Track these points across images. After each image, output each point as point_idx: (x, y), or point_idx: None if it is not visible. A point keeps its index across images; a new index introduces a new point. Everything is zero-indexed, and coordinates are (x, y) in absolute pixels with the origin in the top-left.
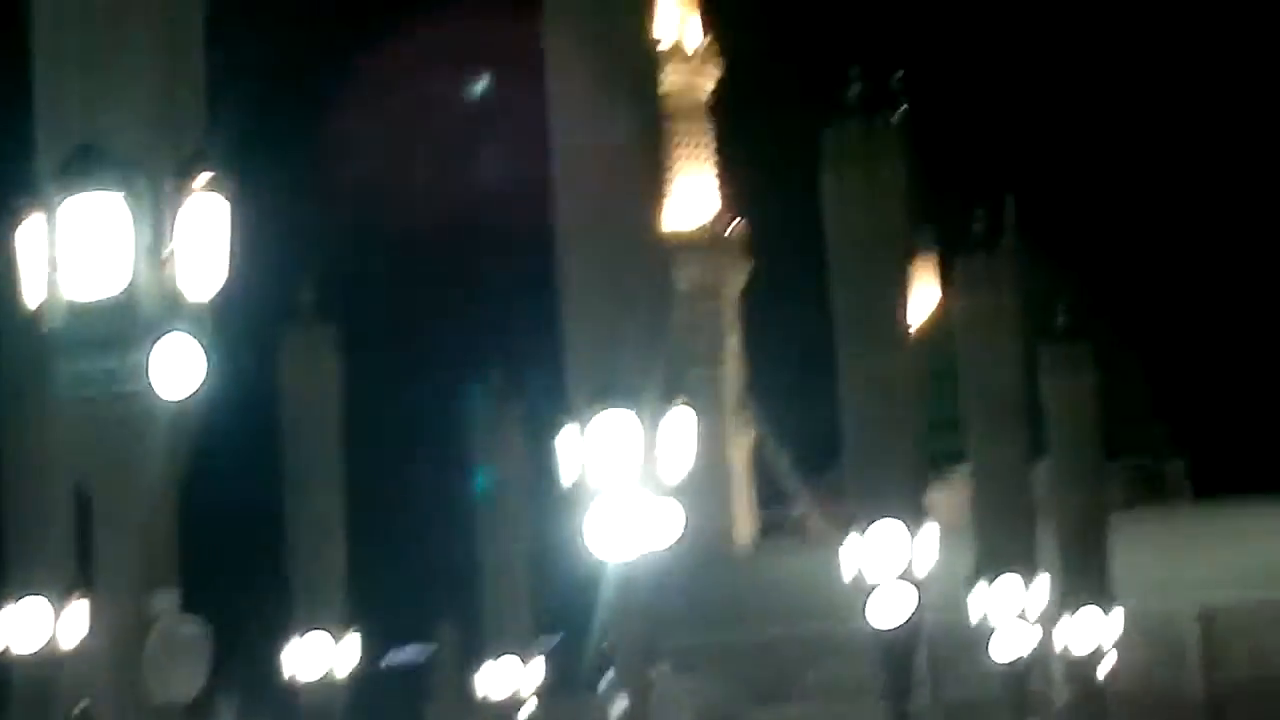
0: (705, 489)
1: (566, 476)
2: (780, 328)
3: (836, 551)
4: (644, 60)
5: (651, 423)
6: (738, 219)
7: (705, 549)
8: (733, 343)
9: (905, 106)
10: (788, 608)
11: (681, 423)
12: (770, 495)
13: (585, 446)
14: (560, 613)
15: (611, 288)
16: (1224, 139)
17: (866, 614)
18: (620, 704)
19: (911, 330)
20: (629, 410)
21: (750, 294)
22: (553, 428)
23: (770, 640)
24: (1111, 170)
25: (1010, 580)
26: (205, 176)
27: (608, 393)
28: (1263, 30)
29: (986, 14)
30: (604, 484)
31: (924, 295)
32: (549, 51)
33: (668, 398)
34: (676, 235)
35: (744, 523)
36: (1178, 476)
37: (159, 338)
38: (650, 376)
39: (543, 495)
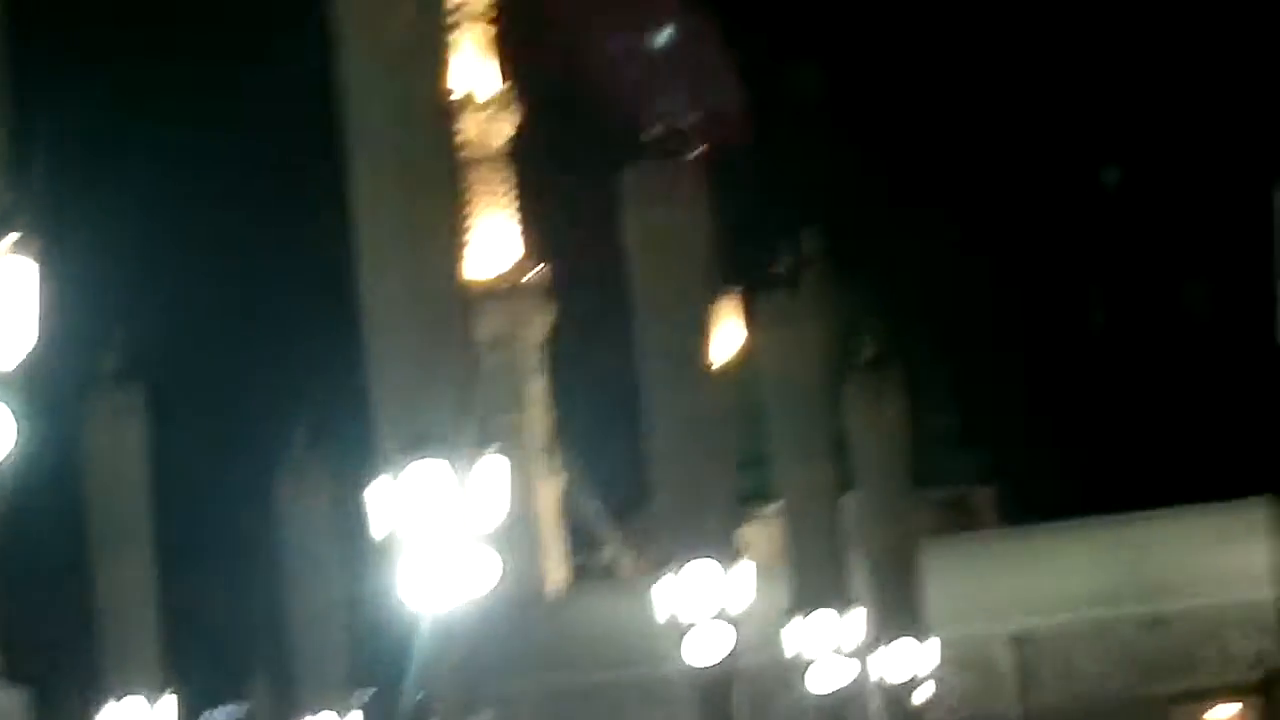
0: (514, 535)
1: (378, 528)
2: (586, 372)
3: (650, 593)
4: (440, 109)
5: (463, 471)
6: (539, 265)
7: (518, 596)
8: (537, 389)
9: (703, 146)
10: (603, 652)
11: (493, 470)
12: (581, 540)
13: (396, 497)
14: (374, 665)
15: (417, 337)
16: (1032, 166)
17: (682, 655)
18: None
19: (716, 368)
20: (440, 459)
21: (555, 339)
22: (362, 479)
23: (586, 686)
24: (918, 200)
25: (824, 615)
26: (10, 238)
27: (418, 442)
28: (1059, 56)
29: (782, 53)
30: (417, 534)
31: (730, 333)
32: (345, 101)
33: (479, 445)
34: (477, 283)
35: (555, 568)
36: (986, 504)
37: None
38: (459, 425)
39: (354, 547)
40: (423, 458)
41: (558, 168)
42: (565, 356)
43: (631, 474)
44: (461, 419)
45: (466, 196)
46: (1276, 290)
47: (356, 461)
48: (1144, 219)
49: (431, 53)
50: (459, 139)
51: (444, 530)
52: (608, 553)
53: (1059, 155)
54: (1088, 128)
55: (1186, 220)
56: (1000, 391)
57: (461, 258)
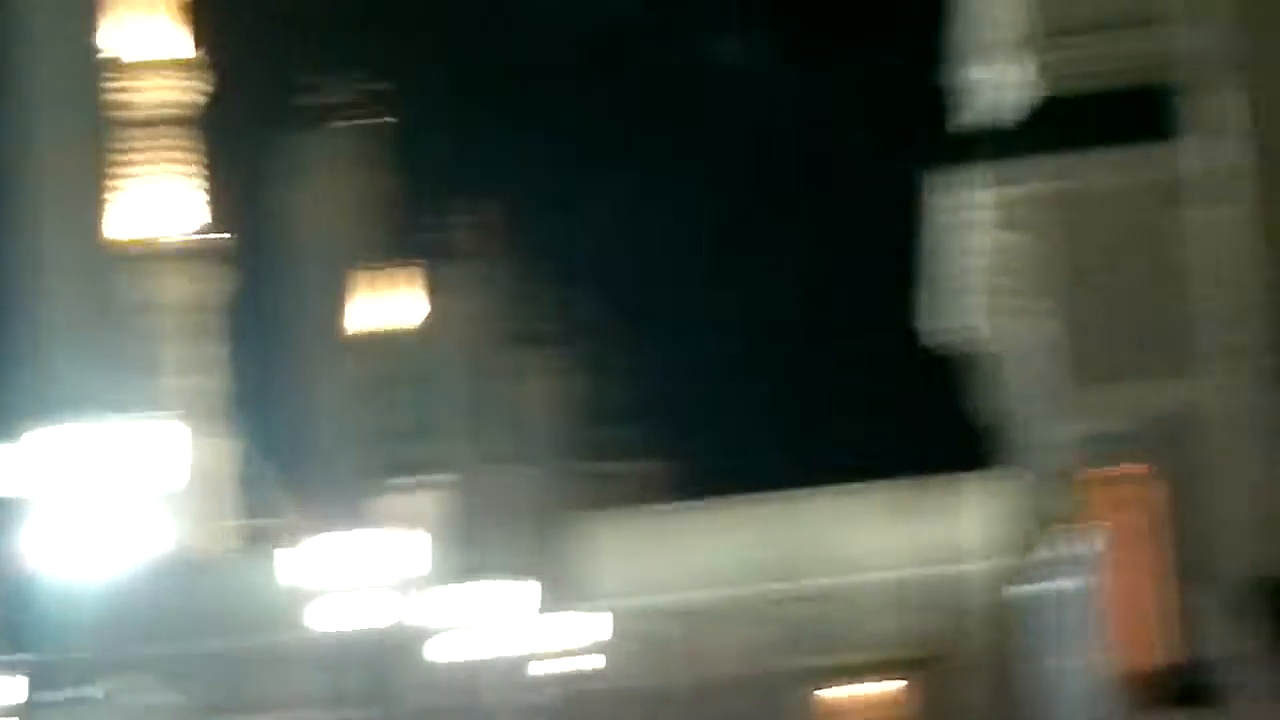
0: (180, 499)
1: (31, 488)
2: (262, 338)
3: (294, 560)
4: (94, 68)
5: (127, 433)
6: (220, 230)
7: (175, 559)
8: (212, 352)
9: (384, 115)
10: (250, 617)
11: (161, 432)
12: (252, 504)
13: (54, 458)
14: (28, 629)
15: (79, 298)
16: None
17: (326, 622)
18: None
19: (378, 336)
20: (101, 420)
21: (233, 304)
22: (14, 438)
23: (226, 651)
24: (597, 177)
25: (487, 585)
26: None
27: (76, 403)
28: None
29: (470, 23)
30: (76, 496)
31: (400, 302)
32: (10, 54)
33: (145, 407)
34: (155, 245)
35: (221, 532)
36: (655, 478)
37: None
38: (123, 386)
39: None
40: (79, 419)
41: (242, 133)
42: (242, 322)
43: (305, 442)
44: (123, 381)
45: (137, 157)
46: (920, 280)
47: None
48: (804, 208)
49: (90, 11)
50: (142, 100)
51: (103, 492)
52: (276, 518)
53: (715, 135)
54: (747, 110)
55: (842, 206)
56: (672, 368)
57: (120, 218)
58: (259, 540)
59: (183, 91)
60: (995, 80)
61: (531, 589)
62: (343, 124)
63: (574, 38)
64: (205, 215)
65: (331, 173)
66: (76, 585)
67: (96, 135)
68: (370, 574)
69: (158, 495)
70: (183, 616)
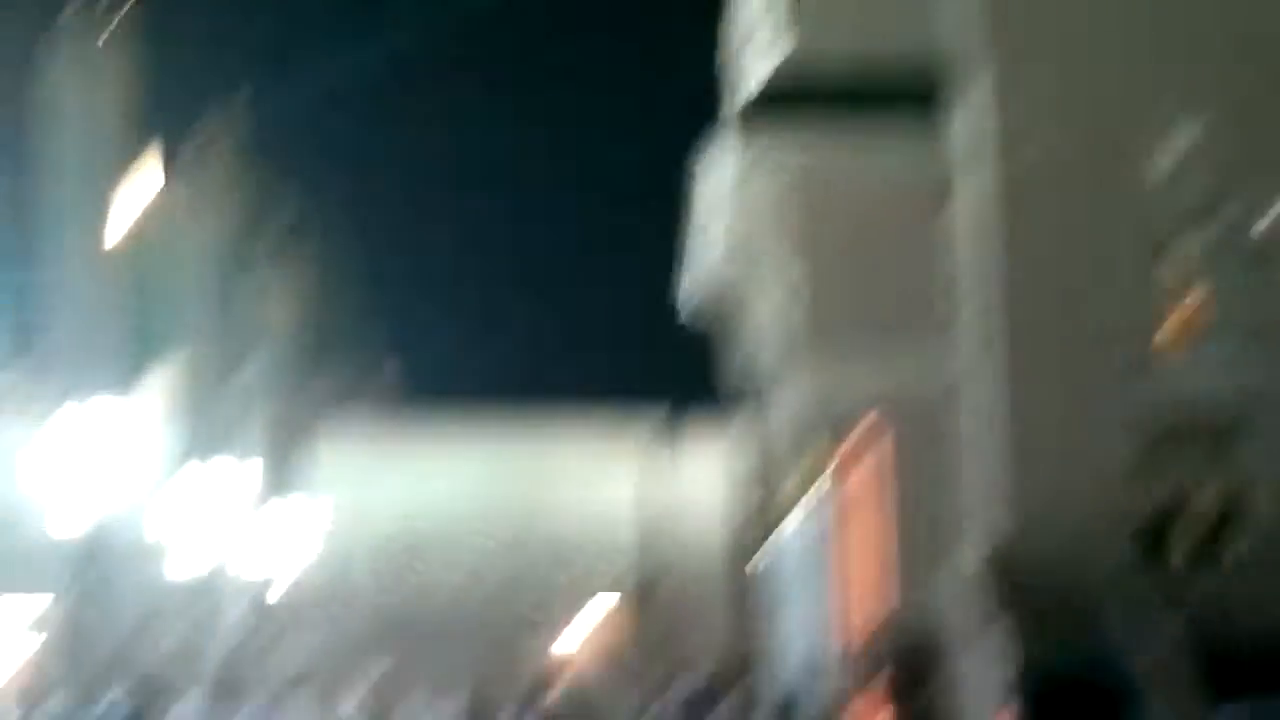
0: None
1: None
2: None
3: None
4: None
5: None
6: None
7: None
8: None
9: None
10: None
11: None
12: None
13: None
14: None
15: None
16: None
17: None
18: None
19: (129, 225)
20: None
21: None
22: None
23: None
24: (339, 82)
25: (216, 464)
26: None
27: None
28: None
29: None
30: None
31: (149, 191)
32: None
33: None
34: None
35: None
36: (390, 378)
37: None
38: None
39: None
40: None
41: None
42: None
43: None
44: None
45: None
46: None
47: None
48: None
49: None
50: None
51: None
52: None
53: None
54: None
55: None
56: (411, 266)
57: None
58: None
59: None
60: (755, 50)
61: (257, 470)
62: (92, 20)
63: None
64: None
65: (76, 68)
66: None
67: None
68: (106, 451)
69: None
70: None
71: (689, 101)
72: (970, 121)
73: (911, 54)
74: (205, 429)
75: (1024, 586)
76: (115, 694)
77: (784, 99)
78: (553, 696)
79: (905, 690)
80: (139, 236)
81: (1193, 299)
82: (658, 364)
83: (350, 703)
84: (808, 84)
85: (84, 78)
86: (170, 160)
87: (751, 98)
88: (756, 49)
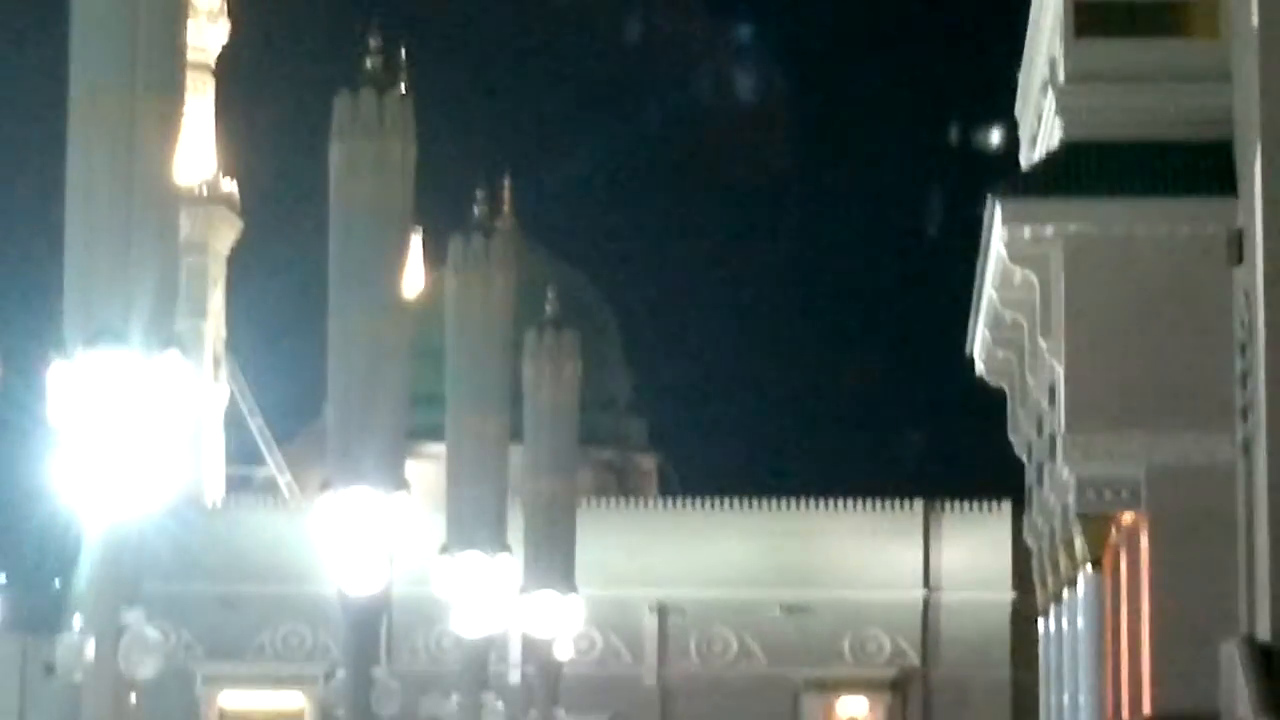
0: (180, 440)
1: (53, 415)
2: (267, 289)
3: (306, 513)
4: (167, 10)
5: (142, 368)
6: (232, 177)
7: (175, 499)
8: (216, 298)
9: (408, 81)
10: (252, 565)
11: (172, 371)
12: (241, 452)
13: (75, 386)
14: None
15: (122, 232)
16: (720, 147)
17: (334, 578)
18: (89, 646)
19: (404, 302)
20: (121, 351)
21: (239, 253)
22: (36, 367)
23: (231, 596)
24: (612, 164)
25: (476, 557)
26: None
27: (102, 334)
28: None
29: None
30: (90, 426)
31: (419, 271)
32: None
33: (161, 345)
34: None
35: (212, 477)
36: (648, 471)
37: None
38: (149, 322)
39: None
40: (103, 348)
41: (265, 85)
42: (247, 271)
43: (300, 395)
44: (154, 316)
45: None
46: (973, 305)
47: (29, 349)
48: (841, 215)
49: None
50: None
51: (115, 424)
52: (268, 469)
53: (762, 141)
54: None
55: (887, 226)
56: (675, 364)
57: (173, 160)
58: (247, 488)
59: (204, 36)
60: (1034, 121)
61: (518, 566)
62: (382, 86)
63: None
64: (220, 160)
65: (367, 133)
66: (99, 518)
67: (167, 75)
68: (383, 535)
69: (169, 433)
70: (183, 557)
71: (965, 181)
72: (1247, 203)
73: (1197, 131)
74: (466, 519)
75: None
76: None
77: (1064, 169)
78: None
79: None
80: (418, 315)
81: None
82: (934, 443)
83: None
84: (1088, 156)
85: (374, 138)
86: (451, 231)
87: (1033, 166)
88: (1036, 115)
